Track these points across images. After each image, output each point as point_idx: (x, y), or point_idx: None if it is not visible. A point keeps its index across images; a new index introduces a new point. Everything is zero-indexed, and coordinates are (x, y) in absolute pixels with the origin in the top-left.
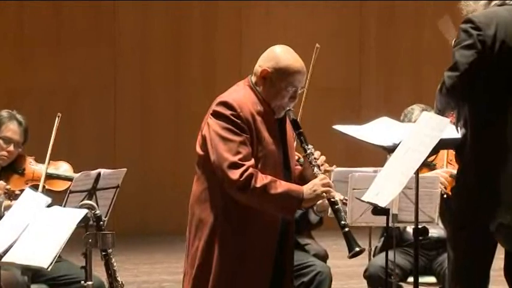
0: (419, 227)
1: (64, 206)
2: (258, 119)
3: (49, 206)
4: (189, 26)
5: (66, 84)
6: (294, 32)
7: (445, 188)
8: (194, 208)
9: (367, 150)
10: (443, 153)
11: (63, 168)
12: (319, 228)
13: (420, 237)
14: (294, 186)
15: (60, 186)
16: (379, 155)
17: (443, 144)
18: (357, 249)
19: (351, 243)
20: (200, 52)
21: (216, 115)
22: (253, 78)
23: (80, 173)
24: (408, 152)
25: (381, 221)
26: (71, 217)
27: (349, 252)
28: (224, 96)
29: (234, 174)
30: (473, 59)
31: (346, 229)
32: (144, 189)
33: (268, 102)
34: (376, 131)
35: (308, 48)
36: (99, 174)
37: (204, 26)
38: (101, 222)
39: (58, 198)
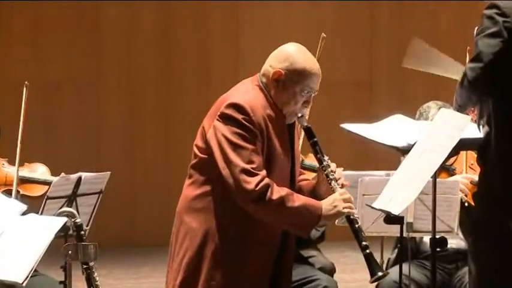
0: (437, 237)
1: (41, 214)
2: (269, 125)
3: (24, 213)
4: (181, 19)
5: (44, 79)
6: (298, 25)
7: (465, 196)
8: (183, 215)
9: (378, 152)
10: (462, 156)
11: (40, 171)
12: (325, 239)
13: (438, 249)
14: (312, 201)
15: (36, 191)
16: (392, 156)
17: (463, 144)
18: (380, 273)
19: (373, 267)
20: (193, 47)
21: (226, 118)
22: (264, 80)
23: (58, 177)
24: (425, 154)
25: (394, 230)
26: (48, 226)
27: (372, 277)
28: (234, 97)
29: (249, 184)
30: (498, 48)
31: (368, 251)
32: (130, 195)
33: (280, 106)
34: (388, 130)
35: (315, 42)
36: (80, 178)
37: (197, 20)
38: (82, 232)
39: (34, 205)
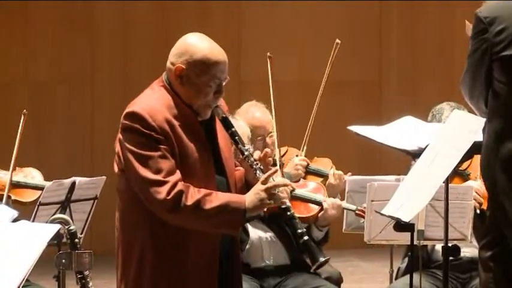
0: (450, 245)
1: (33, 221)
2: (176, 124)
3: (15, 220)
4: (179, 17)
5: (33, 77)
6: (304, 24)
7: (480, 204)
8: (120, 234)
9: (388, 155)
10: (477, 160)
11: (32, 175)
12: (331, 247)
13: (451, 258)
14: (233, 197)
15: (28, 196)
16: (402, 160)
17: (477, 147)
18: (322, 259)
19: (313, 253)
20: None
21: (125, 129)
22: (168, 78)
23: (51, 182)
24: (437, 157)
25: (404, 238)
26: (40, 233)
27: (313, 264)
28: (131, 105)
29: (160, 194)
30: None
31: (305, 237)
32: None
33: (189, 103)
34: (398, 132)
35: (321, 43)
36: (74, 184)
37: (197, 21)
38: (76, 240)
39: (26, 211)
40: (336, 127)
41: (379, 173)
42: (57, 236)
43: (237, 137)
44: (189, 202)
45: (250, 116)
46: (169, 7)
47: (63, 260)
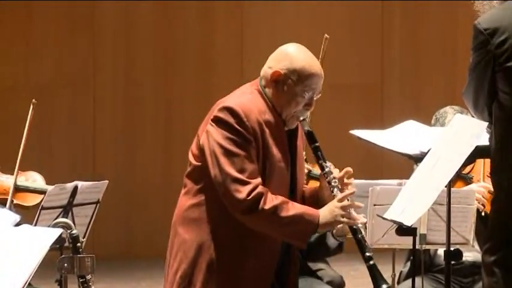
0: (452, 249)
1: (35, 225)
2: (267, 130)
3: (17, 224)
4: (182, 17)
5: (35, 79)
6: (305, 25)
7: (483, 205)
8: (178, 226)
9: (390, 159)
10: (480, 164)
11: (34, 179)
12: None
13: (453, 262)
14: (308, 210)
15: (30, 200)
16: (404, 164)
17: (480, 152)
18: (384, 286)
19: (376, 279)
20: (195, 50)
21: (219, 122)
22: (263, 83)
23: (53, 186)
24: (439, 162)
25: (406, 242)
26: (43, 238)
27: None
28: (228, 101)
29: (240, 193)
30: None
31: (371, 262)
32: (128, 205)
33: (279, 110)
34: (401, 136)
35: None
36: (76, 188)
37: (199, 22)
38: (78, 244)
39: (28, 215)
40: (337, 131)
41: (381, 177)
42: (59, 240)
43: (319, 152)
44: (267, 206)
45: None
46: (172, 7)
47: (65, 264)
